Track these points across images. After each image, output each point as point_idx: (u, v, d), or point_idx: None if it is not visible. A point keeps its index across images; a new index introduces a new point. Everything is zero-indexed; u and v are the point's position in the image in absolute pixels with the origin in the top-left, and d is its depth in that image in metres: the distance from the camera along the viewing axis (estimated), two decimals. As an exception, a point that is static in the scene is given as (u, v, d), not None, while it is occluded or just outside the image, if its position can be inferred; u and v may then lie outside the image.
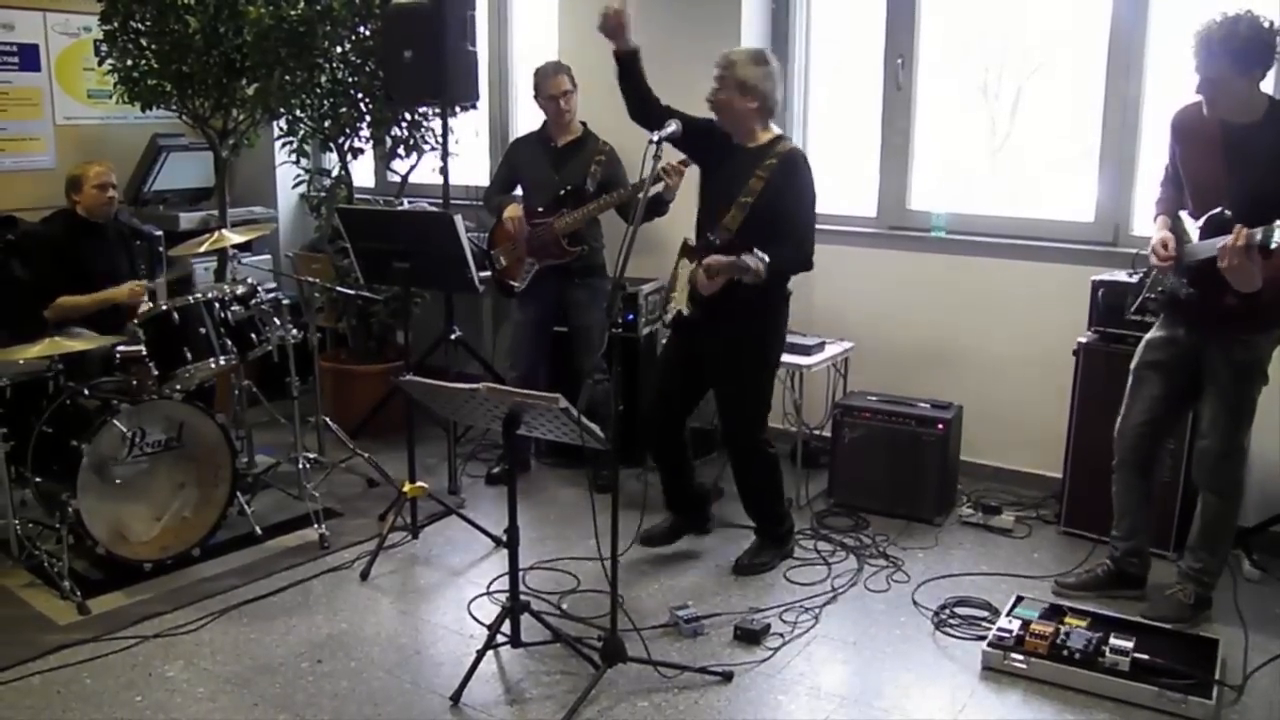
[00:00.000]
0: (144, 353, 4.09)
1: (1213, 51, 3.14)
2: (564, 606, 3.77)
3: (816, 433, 4.97)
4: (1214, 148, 3.32)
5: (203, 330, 4.19)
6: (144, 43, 5.46)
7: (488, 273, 4.86)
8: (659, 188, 4.10)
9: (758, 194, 3.73)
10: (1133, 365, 3.69)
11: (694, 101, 4.65)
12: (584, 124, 4.89)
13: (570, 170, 4.79)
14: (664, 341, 4.26)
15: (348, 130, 5.57)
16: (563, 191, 4.73)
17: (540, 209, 4.75)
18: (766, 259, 3.57)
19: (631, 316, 4.94)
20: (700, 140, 3.86)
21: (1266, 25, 3.12)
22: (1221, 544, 3.63)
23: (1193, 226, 3.37)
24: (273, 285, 4.74)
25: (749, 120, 3.80)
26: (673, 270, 3.97)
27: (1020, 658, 3.31)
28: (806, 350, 4.57)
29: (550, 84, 4.75)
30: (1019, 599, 3.64)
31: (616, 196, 4.56)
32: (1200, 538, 3.62)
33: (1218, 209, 3.25)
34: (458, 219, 4.12)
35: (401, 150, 5.64)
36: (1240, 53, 3.11)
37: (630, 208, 4.38)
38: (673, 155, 3.93)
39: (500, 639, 3.34)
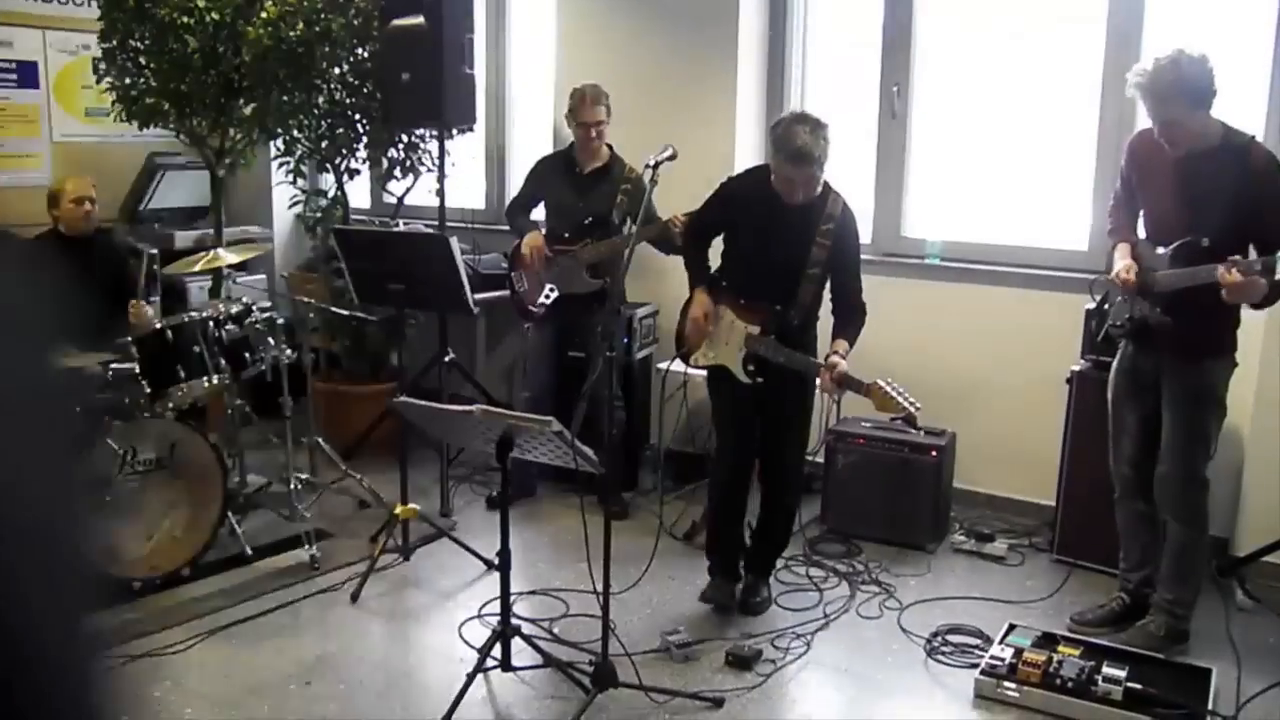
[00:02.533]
0: (137, 370, 4.09)
1: (1164, 97, 3.20)
2: (555, 630, 3.75)
3: (809, 458, 4.95)
4: (1166, 173, 3.38)
5: (196, 349, 4.18)
6: (142, 61, 5.46)
7: (486, 294, 4.84)
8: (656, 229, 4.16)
9: (824, 263, 3.69)
10: (1109, 397, 3.71)
11: (690, 130, 4.69)
12: (610, 147, 4.84)
13: (594, 198, 4.75)
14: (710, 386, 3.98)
15: (344, 151, 5.57)
16: (587, 220, 4.70)
17: (566, 234, 4.72)
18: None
19: (627, 340, 4.94)
20: (722, 216, 3.82)
21: (1199, 57, 3.18)
22: (1192, 575, 3.60)
23: (1152, 249, 3.42)
24: (267, 305, 4.71)
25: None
26: (701, 308, 3.79)
27: (1013, 686, 3.30)
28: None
29: (588, 111, 4.67)
30: (1011, 627, 3.63)
31: (646, 232, 4.53)
32: (1169, 568, 3.61)
33: (1188, 238, 3.29)
34: (453, 241, 4.13)
35: (398, 172, 5.65)
36: (1192, 91, 3.18)
37: (664, 241, 4.41)
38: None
39: (490, 663, 3.31)
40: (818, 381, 3.64)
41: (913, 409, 3.44)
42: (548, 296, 4.73)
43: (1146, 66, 3.21)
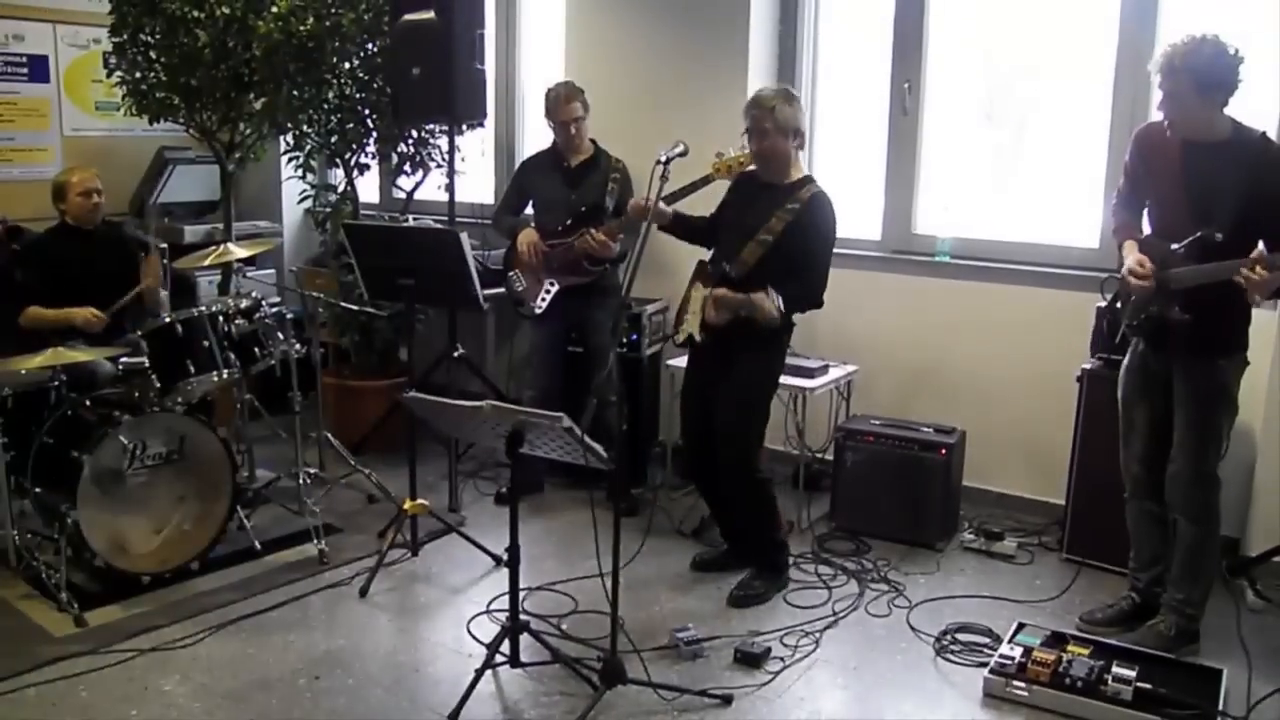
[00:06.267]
0: (146, 364, 4.09)
1: (1174, 68, 3.19)
2: (564, 627, 3.75)
3: (819, 456, 4.96)
4: (1174, 166, 3.35)
5: (206, 343, 4.19)
6: (153, 55, 5.48)
7: (496, 290, 4.84)
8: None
9: (778, 233, 3.77)
10: (1119, 396, 3.69)
11: (701, 125, 4.67)
12: (594, 142, 4.89)
13: (586, 189, 4.77)
14: (683, 368, 4.24)
15: (354, 146, 5.58)
16: (582, 209, 4.71)
17: (559, 229, 4.73)
18: (780, 301, 3.65)
19: (635, 337, 4.93)
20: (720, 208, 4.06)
21: (1231, 51, 3.16)
22: (1202, 574, 3.58)
23: (1163, 245, 3.40)
24: (276, 299, 4.72)
25: (789, 160, 3.85)
26: (686, 290, 4.01)
27: (1022, 685, 3.29)
28: (809, 373, 4.56)
29: (563, 110, 4.71)
30: (1021, 626, 3.62)
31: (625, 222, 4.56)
32: (1180, 568, 3.59)
33: (1200, 232, 3.26)
34: (463, 236, 4.12)
35: (408, 167, 5.65)
36: (1201, 73, 3.16)
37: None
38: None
39: (499, 658, 3.31)
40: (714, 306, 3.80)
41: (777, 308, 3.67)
42: (547, 293, 4.74)
43: (1182, 38, 3.19)
